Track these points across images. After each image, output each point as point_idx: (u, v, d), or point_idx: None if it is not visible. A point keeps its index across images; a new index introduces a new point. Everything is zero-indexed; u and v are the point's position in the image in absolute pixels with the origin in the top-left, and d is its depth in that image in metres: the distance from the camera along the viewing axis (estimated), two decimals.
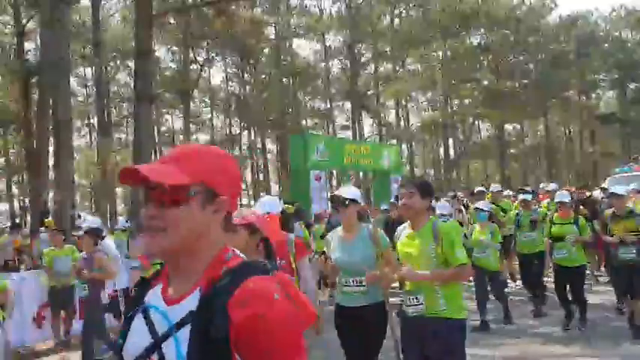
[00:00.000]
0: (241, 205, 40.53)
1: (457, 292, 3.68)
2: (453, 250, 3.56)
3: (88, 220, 8.44)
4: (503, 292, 8.09)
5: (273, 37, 36.81)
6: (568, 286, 7.23)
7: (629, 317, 6.67)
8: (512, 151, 46.34)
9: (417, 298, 3.63)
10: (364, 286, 4.03)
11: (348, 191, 4.31)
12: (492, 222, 8.07)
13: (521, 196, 8.90)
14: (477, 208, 8.25)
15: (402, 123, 43.12)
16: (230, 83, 41.31)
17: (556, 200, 7.56)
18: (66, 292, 8.00)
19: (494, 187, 11.53)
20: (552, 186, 12.59)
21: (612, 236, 6.66)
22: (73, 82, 27.62)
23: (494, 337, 7.12)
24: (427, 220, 3.75)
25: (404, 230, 3.88)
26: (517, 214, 8.61)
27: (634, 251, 6.47)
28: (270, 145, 42.36)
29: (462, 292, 3.67)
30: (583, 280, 7.42)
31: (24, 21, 22.17)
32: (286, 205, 10.52)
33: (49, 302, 8.17)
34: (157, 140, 36.66)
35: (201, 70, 35.19)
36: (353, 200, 4.20)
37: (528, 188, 13.14)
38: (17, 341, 7.72)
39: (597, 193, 11.50)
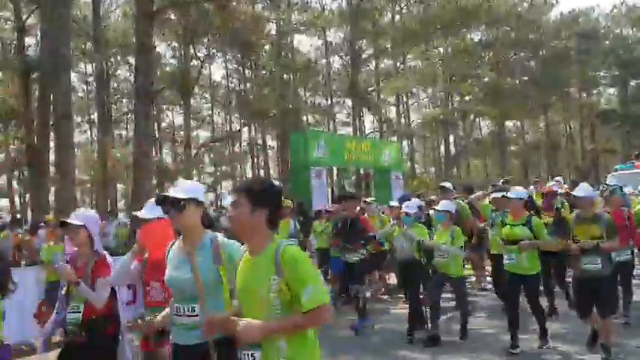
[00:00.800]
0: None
1: (306, 344, 2.58)
2: (300, 287, 2.45)
3: None
4: (466, 302, 7.24)
5: (274, 32, 36.77)
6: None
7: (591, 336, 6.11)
8: (512, 148, 46.38)
9: (252, 355, 2.57)
10: (197, 315, 3.01)
11: (185, 188, 3.23)
12: (455, 223, 7.20)
13: (493, 195, 8.17)
14: (435, 209, 7.45)
15: (402, 120, 43.13)
16: (230, 79, 41.33)
17: (510, 196, 6.50)
18: None
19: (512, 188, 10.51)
20: (558, 180, 11.57)
21: (575, 242, 5.85)
22: (73, 77, 27.60)
23: (488, 342, 7.12)
24: (269, 242, 2.62)
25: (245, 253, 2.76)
26: (492, 211, 8.07)
27: (599, 261, 5.69)
28: (271, 142, 42.41)
29: (314, 341, 2.60)
30: (536, 290, 6.41)
31: (24, 17, 22.14)
32: (285, 201, 10.53)
33: (49, 297, 8.16)
34: (157, 136, 36.66)
35: (201, 67, 35.14)
36: (193, 200, 3.17)
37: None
38: (18, 337, 7.74)
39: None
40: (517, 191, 6.60)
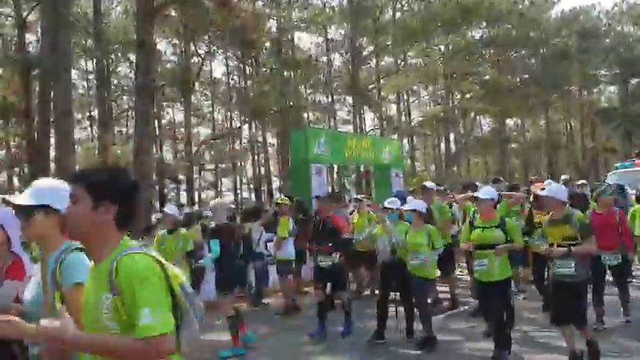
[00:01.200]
0: (243, 200, 40.34)
1: None
2: (138, 307, 1.90)
3: None
4: (427, 304, 7.03)
5: (274, 30, 36.73)
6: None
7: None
8: (513, 146, 46.38)
9: None
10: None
11: (36, 191, 2.58)
12: (428, 223, 6.98)
13: (474, 193, 7.69)
14: (404, 209, 7.11)
15: (403, 117, 43.12)
16: (231, 76, 41.30)
17: (479, 196, 6.11)
18: None
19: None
20: (563, 179, 11.50)
21: (551, 244, 5.53)
22: (73, 74, 27.56)
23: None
24: (114, 247, 2.05)
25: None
26: (474, 211, 7.89)
27: (572, 265, 5.34)
28: (271, 139, 42.38)
29: None
30: (506, 296, 6.05)
31: (25, 13, 22.11)
32: (283, 199, 10.54)
33: None
34: (157, 133, 36.64)
35: (202, 64, 35.12)
36: (43, 207, 2.53)
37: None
38: None
39: (587, 189, 10.57)
40: (486, 191, 6.25)
